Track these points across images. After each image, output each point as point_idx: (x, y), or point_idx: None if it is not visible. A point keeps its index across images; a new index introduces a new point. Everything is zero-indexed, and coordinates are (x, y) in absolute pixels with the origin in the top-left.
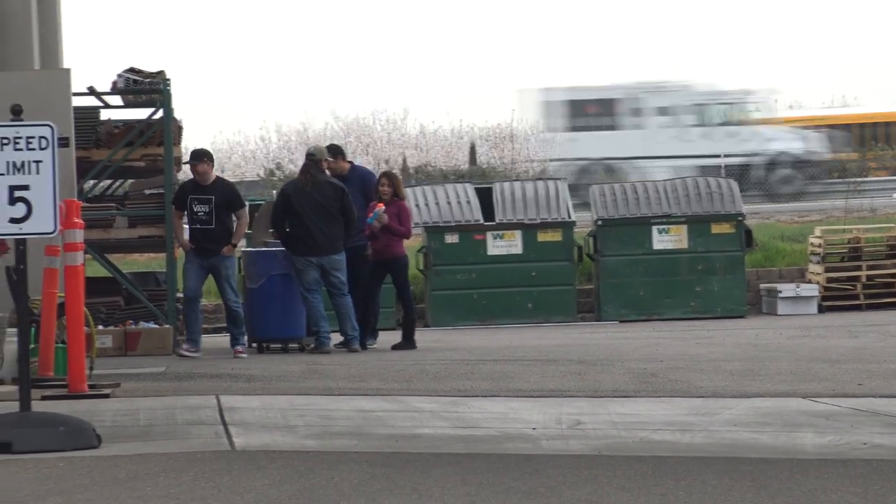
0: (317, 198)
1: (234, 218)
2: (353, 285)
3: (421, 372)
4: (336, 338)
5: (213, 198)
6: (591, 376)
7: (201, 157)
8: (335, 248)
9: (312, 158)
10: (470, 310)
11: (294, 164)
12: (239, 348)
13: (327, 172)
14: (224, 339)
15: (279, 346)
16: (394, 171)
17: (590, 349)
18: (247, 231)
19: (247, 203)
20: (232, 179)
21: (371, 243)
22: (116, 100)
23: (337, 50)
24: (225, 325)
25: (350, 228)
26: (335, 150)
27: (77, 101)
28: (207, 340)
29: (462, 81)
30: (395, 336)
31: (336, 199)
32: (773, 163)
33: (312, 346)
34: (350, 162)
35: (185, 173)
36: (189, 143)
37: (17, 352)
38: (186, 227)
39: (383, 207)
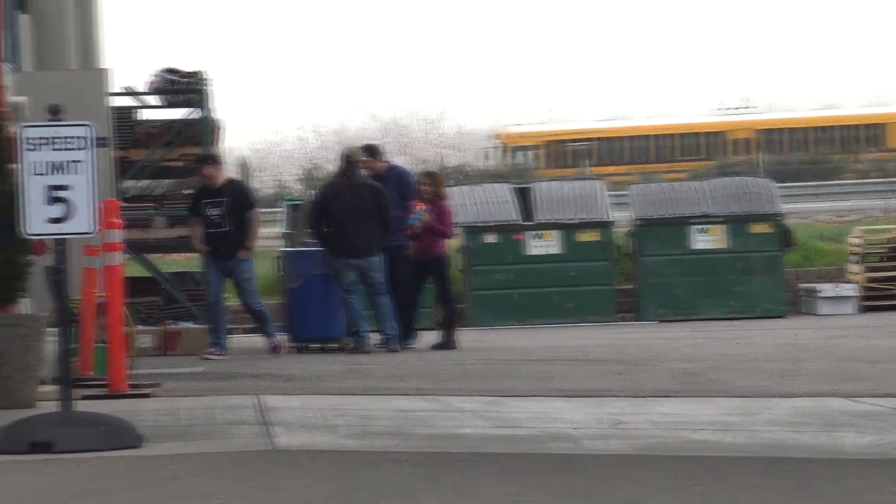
0: (354, 199)
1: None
2: (392, 285)
3: (461, 372)
4: (375, 337)
5: (225, 200)
6: (631, 376)
7: (205, 160)
8: (372, 250)
9: (349, 160)
10: (509, 309)
11: (332, 164)
12: (275, 340)
13: (363, 173)
14: (260, 340)
15: (318, 346)
16: (435, 171)
17: (630, 349)
18: (287, 231)
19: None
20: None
21: (413, 243)
22: (155, 100)
23: (375, 51)
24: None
25: (387, 229)
26: (372, 150)
27: (115, 101)
28: (243, 341)
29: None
30: (435, 336)
31: (373, 200)
32: None
33: (352, 346)
34: (387, 161)
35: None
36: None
37: (58, 352)
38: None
39: (424, 207)
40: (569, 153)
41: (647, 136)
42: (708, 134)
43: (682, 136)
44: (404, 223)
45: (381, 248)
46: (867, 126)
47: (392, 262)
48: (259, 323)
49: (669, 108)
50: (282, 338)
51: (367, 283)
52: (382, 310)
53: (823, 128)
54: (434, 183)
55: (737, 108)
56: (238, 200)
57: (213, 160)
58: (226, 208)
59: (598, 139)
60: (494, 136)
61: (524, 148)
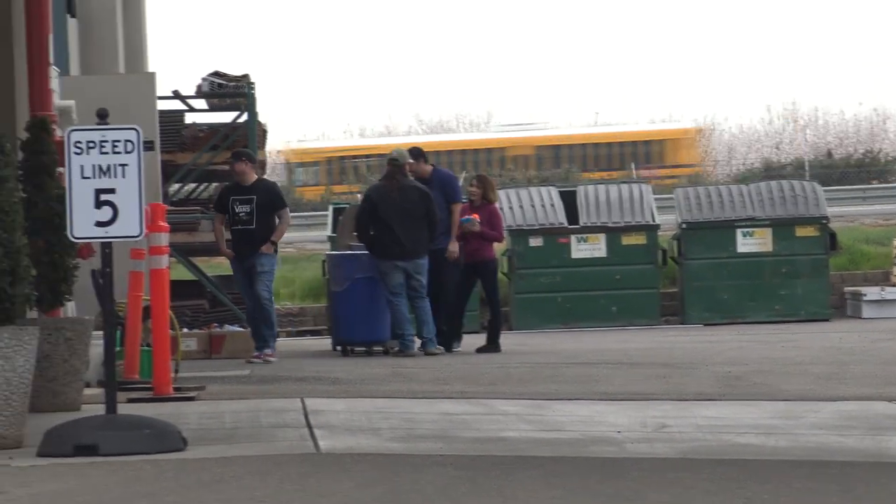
0: (402, 202)
1: (276, 219)
2: (436, 288)
3: (505, 375)
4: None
5: (254, 198)
6: (675, 379)
7: (239, 157)
8: (420, 252)
9: (396, 163)
10: (554, 313)
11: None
12: (268, 352)
13: (410, 176)
14: (307, 343)
15: (363, 349)
16: (485, 174)
17: (674, 352)
18: (332, 235)
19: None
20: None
21: (464, 246)
22: (201, 103)
23: (421, 53)
24: (308, 328)
25: (433, 232)
26: (417, 153)
27: (162, 105)
28: (290, 343)
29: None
30: (480, 339)
31: (421, 203)
32: None
33: (397, 349)
34: (432, 165)
35: (270, 176)
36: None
37: (103, 355)
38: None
39: (478, 219)
40: (349, 169)
41: (433, 151)
42: (490, 150)
43: (463, 151)
44: (448, 227)
45: (427, 250)
46: (645, 142)
47: (435, 265)
48: (263, 324)
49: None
50: (273, 351)
51: (409, 285)
52: (423, 313)
53: (597, 144)
54: (484, 186)
55: (517, 125)
56: (269, 199)
57: (247, 157)
58: (254, 206)
59: (380, 156)
60: (277, 151)
61: (304, 164)
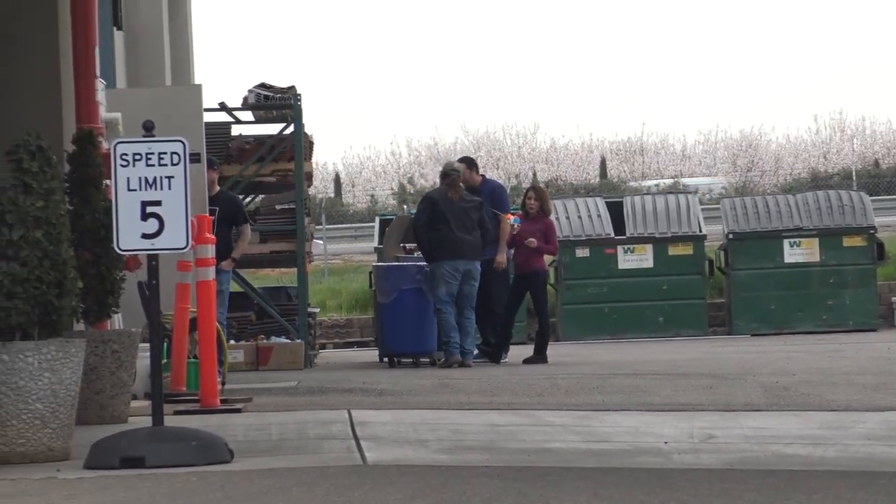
0: (462, 208)
1: (235, 234)
2: (483, 298)
3: (552, 386)
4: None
5: (215, 209)
6: (722, 390)
7: (211, 164)
8: (478, 255)
9: (456, 174)
10: (601, 324)
11: (425, 179)
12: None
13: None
14: (354, 354)
15: (409, 360)
16: (541, 186)
17: (721, 363)
18: (377, 246)
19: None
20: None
21: (514, 256)
22: (248, 115)
23: (467, 65)
24: (355, 339)
25: (485, 241)
26: (470, 162)
27: (209, 117)
28: (337, 354)
29: (592, 95)
30: (527, 350)
31: (475, 212)
32: None
33: (443, 360)
34: (482, 175)
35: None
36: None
37: (150, 367)
38: (320, 241)
39: (535, 243)
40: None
41: None
42: None
43: None
44: (496, 237)
45: (481, 256)
46: None
47: (483, 275)
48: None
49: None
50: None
51: (462, 292)
52: (469, 323)
53: None
54: (539, 198)
55: None
56: (230, 212)
57: (217, 166)
58: (216, 218)
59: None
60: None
61: None
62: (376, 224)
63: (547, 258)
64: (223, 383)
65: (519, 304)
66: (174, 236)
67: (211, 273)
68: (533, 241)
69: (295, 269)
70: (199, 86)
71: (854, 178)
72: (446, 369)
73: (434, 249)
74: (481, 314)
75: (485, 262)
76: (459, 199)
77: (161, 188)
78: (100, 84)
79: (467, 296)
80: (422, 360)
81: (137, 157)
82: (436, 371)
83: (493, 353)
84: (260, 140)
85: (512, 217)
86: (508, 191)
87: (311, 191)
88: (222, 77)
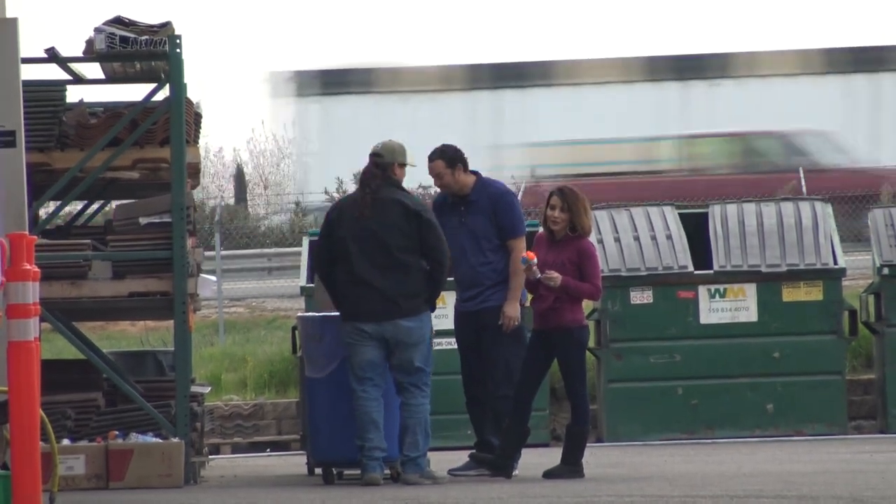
0: (372, 224)
1: None
2: (473, 376)
3: None
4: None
5: None
6: None
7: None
8: (402, 309)
9: (379, 160)
10: (670, 414)
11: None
12: None
13: (399, 184)
14: (267, 462)
15: (358, 472)
16: (570, 187)
17: (870, 479)
18: (306, 285)
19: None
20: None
21: (534, 306)
22: (95, 70)
23: None
24: (269, 437)
25: (439, 276)
26: (451, 155)
27: (30, 72)
28: (239, 464)
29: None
30: (550, 456)
31: (404, 226)
32: None
33: (417, 474)
34: (475, 173)
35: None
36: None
37: None
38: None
39: (535, 259)
40: None
41: None
42: None
43: None
44: (501, 274)
45: (420, 307)
46: None
47: (476, 335)
48: None
49: None
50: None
51: (394, 366)
52: (412, 414)
53: None
54: (569, 207)
55: None
56: None
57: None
58: None
59: None
60: None
61: None
62: (304, 248)
63: (586, 306)
64: None
65: (539, 382)
66: None
67: (33, 328)
68: (556, 277)
69: (170, 324)
70: (14, 20)
71: None
72: (416, 488)
73: (336, 304)
74: (476, 397)
75: (485, 314)
76: (374, 205)
77: None
78: None
79: (403, 370)
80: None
81: None
82: (399, 490)
83: (497, 460)
84: (114, 111)
85: (523, 259)
86: (521, 195)
87: (199, 194)
88: (55, 9)
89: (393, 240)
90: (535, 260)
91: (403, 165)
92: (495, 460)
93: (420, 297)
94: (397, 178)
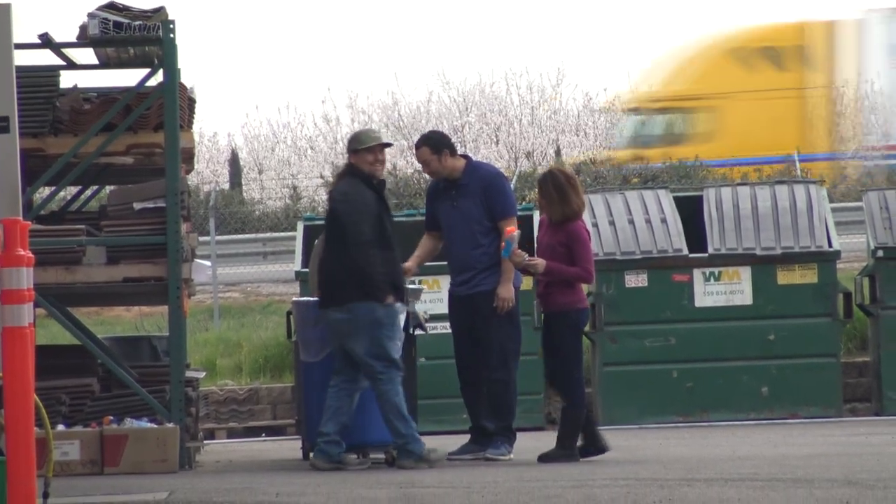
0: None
1: None
2: (467, 361)
3: (585, 499)
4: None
5: None
6: None
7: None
8: (332, 299)
9: (353, 148)
10: (665, 397)
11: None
12: None
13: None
14: (262, 447)
15: (354, 456)
16: (562, 169)
17: (865, 461)
18: (301, 269)
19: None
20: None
21: (536, 289)
22: (88, 55)
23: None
24: (264, 422)
25: (351, 264)
26: (435, 143)
27: (24, 58)
28: (234, 448)
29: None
30: (545, 440)
31: (329, 218)
32: None
33: (411, 459)
34: (465, 157)
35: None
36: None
37: None
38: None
39: (517, 233)
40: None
41: None
42: None
43: None
44: (493, 256)
45: (347, 297)
46: None
47: (468, 318)
48: None
49: None
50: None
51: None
52: (381, 406)
53: None
54: (558, 190)
55: None
56: None
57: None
58: None
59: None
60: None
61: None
62: (299, 233)
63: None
64: (46, 495)
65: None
66: None
67: (27, 314)
68: (538, 263)
69: (165, 309)
70: (7, 5)
71: None
72: (411, 471)
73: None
74: (470, 382)
75: (478, 298)
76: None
77: None
78: None
79: (354, 357)
80: (372, 455)
81: None
82: (394, 474)
83: (488, 441)
84: (108, 96)
85: (506, 242)
86: (515, 181)
87: (193, 179)
88: None
89: (326, 230)
90: (515, 237)
91: (357, 151)
92: (490, 444)
93: (346, 289)
94: (357, 167)
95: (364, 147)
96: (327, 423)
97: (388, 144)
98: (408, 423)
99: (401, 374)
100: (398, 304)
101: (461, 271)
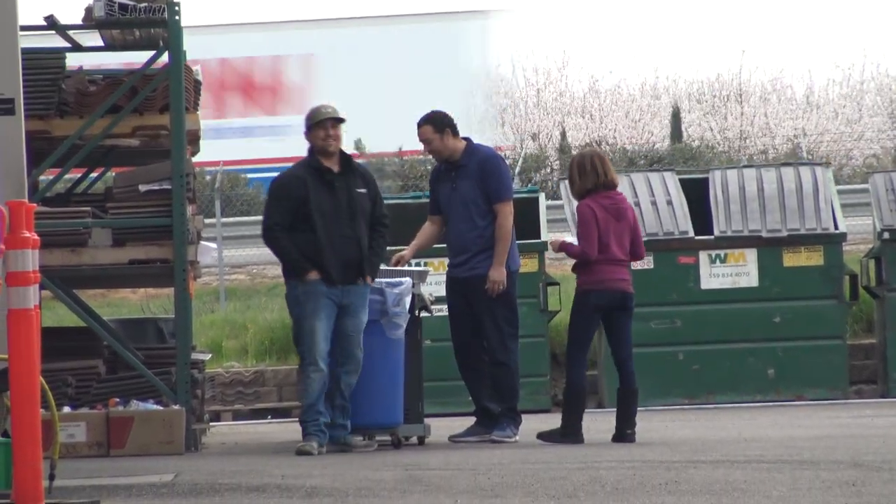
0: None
1: None
2: (464, 343)
3: (591, 481)
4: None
5: None
6: (874, 489)
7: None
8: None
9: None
10: (671, 379)
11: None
12: None
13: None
14: (267, 429)
15: (360, 438)
16: (582, 151)
17: (871, 443)
18: None
19: None
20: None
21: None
22: (94, 37)
23: None
24: (270, 404)
25: (268, 246)
26: (439, 122)
27: (29, 41)
28: (240, 430)
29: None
30: (549, 421)
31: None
32: None
33: (414, 438)
34: (466, 139)
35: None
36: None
37: None
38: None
39: (557, 243)
40: None
41: None
42: None
43: None
44: (487, 239)
45: (370, 270)
46: None
47: (469, 302)
48: None
49: None
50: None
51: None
52: (343, 382)
53: None
54: (570, 171)
55: None
56: None
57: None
58: None
59: None
60: None
61: None
62: None
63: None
64: (52, 477)
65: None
66: None
67: (33, 296)
68: (553, 242)
69: (170, 291)
70: None
71: None
72: (418, 452)
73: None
74: (468, 364)
75: (474, 281)
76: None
77: None
78: None
79: (347, 335)
80: (378, 438)
81: None
82: (401, 456)
83: (495, 423)
84: (113, 78)
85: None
86: (519, 166)
87: (199, 160)
88: None
89: None
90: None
91: (310, 128)
92: (495, 425)
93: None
94: (312, 145)
95: (315, 122)
96: (320, 403)
97: (340, 119)
98: (340, 411)
99: (312, 367)
100: (319, 282)
101: (458, 253)
